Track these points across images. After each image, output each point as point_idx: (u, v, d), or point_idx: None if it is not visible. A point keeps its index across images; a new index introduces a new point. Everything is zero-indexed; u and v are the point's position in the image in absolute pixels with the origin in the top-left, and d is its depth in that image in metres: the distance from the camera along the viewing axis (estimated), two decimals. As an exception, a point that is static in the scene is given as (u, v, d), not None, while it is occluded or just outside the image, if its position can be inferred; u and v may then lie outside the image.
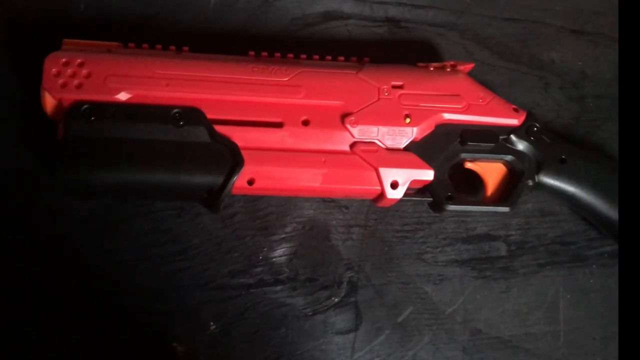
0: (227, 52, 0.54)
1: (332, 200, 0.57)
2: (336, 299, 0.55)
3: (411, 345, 0.56)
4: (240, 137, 0.50)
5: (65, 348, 0.51)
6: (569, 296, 0.59)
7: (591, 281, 0.60)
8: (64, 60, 0.48)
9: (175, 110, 0.49)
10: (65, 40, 0.50)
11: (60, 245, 0.52)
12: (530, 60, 0.65)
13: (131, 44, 0.52)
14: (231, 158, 0.49)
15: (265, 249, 0.55)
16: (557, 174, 0.56)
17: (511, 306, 0.58)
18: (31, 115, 0.51)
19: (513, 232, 0.60)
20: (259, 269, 0.55)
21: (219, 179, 0.48)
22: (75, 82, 0.48)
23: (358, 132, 0.52)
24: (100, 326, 0.52)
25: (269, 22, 0.61)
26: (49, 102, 0.48)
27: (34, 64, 0.48)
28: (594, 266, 0.60)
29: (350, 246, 0.57)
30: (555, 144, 0.56)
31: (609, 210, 0.56)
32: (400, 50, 0.63)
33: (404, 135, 0.53)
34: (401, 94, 0.53)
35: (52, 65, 0.48)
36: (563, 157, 0.56)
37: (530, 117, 0.56)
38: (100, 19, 0.57)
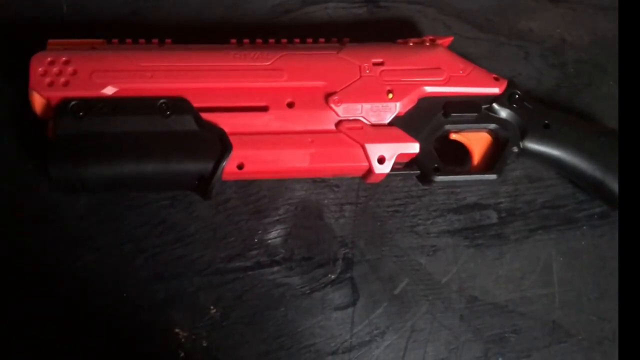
0: (209, 43, 0.54)
1: (323, 180, 0.58)
2: (332, 276, 0.56)
3: (409, 316, 0.57)
4: (226, 123, 0.51)
5: (67, 341, 0.52)
6: (561, 259, 0.60)
7: (583, 242, 0.60)
8: (49, 59, 0.49)
9: (162, 101, 0.50)
10: (50, 40, 0.51)
11: (57, 242, 0.53)
12: (509, 30, 0.65)
13: (114, 40, 0.53)
14: (219, 144, 0.50)
15: (259, 232, 0.56)
16: (542, 139, 0.56)
17: (505, 272, 0.59)
18: (21, 117, 0.52)
19: (503, 200, 0.60)
20: (254, 252, 0.56)
21: (209, 166, 0.49)
22: (62, 80, 0.49)
23: (342, 110, 0.53)
24: (102, 318, 0.53)
25: (249, 11, 0.62)
26: (38, 101, 0.49)
27: (20, 68, 0.49)
28: (584, 227, 0.61)
29: (343, 224, 0.57)
30: (538, 110, 0.57)
31: (594, 171, 0.56)
32: (381, 29, 0.63)
33: (388, 111, 0.54)
34: (382, 71, 0.54)
35: (38, 64, 0.49)
36: (546, 122, 0.56)
37: (511, 85, 0.57)
38: (83, 19, 0.59)
